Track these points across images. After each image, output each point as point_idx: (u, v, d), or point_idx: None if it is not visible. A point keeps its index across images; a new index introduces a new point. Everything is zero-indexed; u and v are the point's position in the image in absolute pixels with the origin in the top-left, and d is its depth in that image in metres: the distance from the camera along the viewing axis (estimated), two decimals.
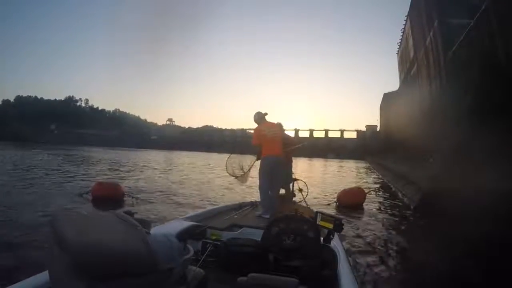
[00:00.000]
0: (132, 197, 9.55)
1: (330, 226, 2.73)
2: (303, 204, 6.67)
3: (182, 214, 7.99)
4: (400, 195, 13.04)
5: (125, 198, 9.47)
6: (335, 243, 2.99)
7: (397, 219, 8.94)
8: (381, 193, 14.27)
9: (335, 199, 10.24)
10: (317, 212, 2.83)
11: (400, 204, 11.30)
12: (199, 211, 4.73)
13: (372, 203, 10.96)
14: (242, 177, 6.10)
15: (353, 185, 14.13)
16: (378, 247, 6.23)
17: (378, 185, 18.03)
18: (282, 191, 6.69)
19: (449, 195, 8.07)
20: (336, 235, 2.97)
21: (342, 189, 9.60)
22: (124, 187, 10.16)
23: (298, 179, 7.42)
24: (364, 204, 10.20)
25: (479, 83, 10.94)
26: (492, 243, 5.85)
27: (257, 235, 3.13)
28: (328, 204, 9.89)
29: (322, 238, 2.79)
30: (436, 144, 12.20)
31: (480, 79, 11.04)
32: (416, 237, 7.33)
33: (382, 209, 10.27)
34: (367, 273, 4.75)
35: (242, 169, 6.14)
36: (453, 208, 7.41)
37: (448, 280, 4.73)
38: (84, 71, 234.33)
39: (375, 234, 7.00)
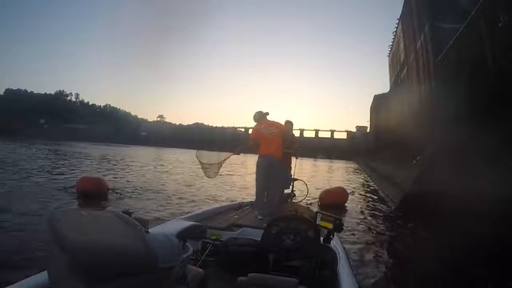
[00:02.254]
0: (116, 193, 9.56)
1: (330, 226, 2.76)
2: (302, 204, 6.68)
3: (166, 211, 8.06)
4: (383, 195, 13.20)
5: (109, 194, 9.45)
6: (335, 243, 3.02)
7: (378, 219, 9.07)
8: (365, 193, 14.54)
9: (317, 199, 10.30)
10: (317, 212, 2.86)
11: (383, 204, 11.48)
12: (199, 210, 4.71)
13: (355, 203, 11.17)
14: (209, 169, 5.75)
15: (339, 185, 14.23)
16: (357, 245, 6.28)
17: (363, 186, 18.33)
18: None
19: (430, 196, 8.15)
20: (336, 235, 2.99)
21: (325, 188, 9.68)
22: (108, 182, 10.12)
23: (297, 179, 7.42)
24: (346, 204, 10.35)
25: (468, 87, 11.02)
26: (466, 240, 5.99)
27: (257, 235, 3.18)
28: (310, 204, 9.94)
29: (322, 238, 2.82)
30: (421, 146, 12.30)
31: (469, 83, 11.13)
32: (395, 236, 7.40)
33: (364, 209, 10.45)
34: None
35: (210, 162, 5.80)
36: (434, 209, 7.49)
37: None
38: (75, 65, 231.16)
39: (353, 234, 7.05)
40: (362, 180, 22.31)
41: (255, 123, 5.81)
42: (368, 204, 11.55)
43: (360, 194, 13.76)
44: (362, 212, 9.80)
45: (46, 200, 8.36)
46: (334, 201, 9.98)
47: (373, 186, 17.79)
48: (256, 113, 5.83)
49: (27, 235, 5.43)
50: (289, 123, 7.06)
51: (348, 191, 11.25)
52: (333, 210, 9.06)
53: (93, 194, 9.06)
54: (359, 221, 8.53)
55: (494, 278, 4.76)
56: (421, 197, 8.74)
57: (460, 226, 6.63)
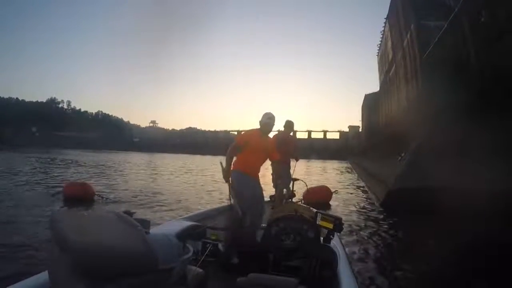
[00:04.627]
0: (102, 197, 9.58)
1: (330, 226, 2.72)
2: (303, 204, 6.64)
3: (152, 216, 8.05)
4: (370, 193, 13.29)
5: (95, 198, 9.48)
6: (335, 243, 3.00)
7: (359, 216, 9.11)
8: (352, 191, 14.67)
9: (301, 197, 10.32)
10: (317, 212, 2.81)
11: (368, 201, 11.61)
12: (199, 211, 4.73)
13: (340, 201, 11.23)
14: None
15: (331, 183, 14.28)
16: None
17: (352, 184, 18.47)
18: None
19: (413, 192, 8.19)
20: (336, 235, 2.97)
21: (308, 187, 9.74)
22: (94, 187, 10.13)
23: (298, 179, 7.41)
24: (330, 202, 10.44)
25: (451, 84, 11.11)
26: (451, 235, 6.20)
27: (257, 235, 3.17)
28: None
29: (322, 238, 2.79)
30: (408, 143, 12.38)
31: (452, 80, 11.22)
32: (373, 232, 7.39)
33: (348, 206, 10.48)
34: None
35: None
36: (417, 205, 7.52)
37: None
38: (66, 72, 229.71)
39: None
40: (352, 179, 22.43)
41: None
42: (353, 201, 11.61)
43: (347, 192, 13.88)
44: (345, 210, 9.83)
45: (34, 206, 8.36)
46: (317, 200, 9.96)
47: (361, 184, 17.96)
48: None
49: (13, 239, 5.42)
50: (288, 124, 7.06)
51: (333, 189, 11.28)
52: (317, 208, 9.13)
53: (80, 198, 9.12)
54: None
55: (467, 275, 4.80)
56: (404, 194, 8.79)
57: (445, 221, 6.68)
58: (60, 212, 1.43)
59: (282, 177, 6.51)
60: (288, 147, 6.74)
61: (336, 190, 11.75)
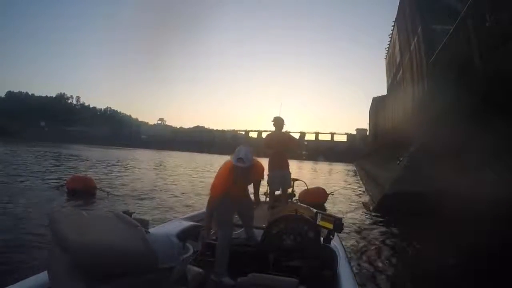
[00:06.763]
0: (104, 191, 9.71)
1: (330, 226, 2.75)
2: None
3: (151, 210, 8.18)
4: (368, 196, 13.28)
5: (97, 192, 9.62)
6: (335, 243, 3.03)
7: (351, 218, 9.06)
8: (350, 194, 14.60)
9: (297, 198, 10.34)
10: (317, 212, 2.86)
11: (363, 204, 11.55)
12: (199, 211, 4.69)
13: (336, 203, 11.28)
14: None
15: (333, 185, 14.24)
16: None
17: (352, 187, 18.36)
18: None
19: (408, 197, 8.17)
20: (336, 235, 2.99)
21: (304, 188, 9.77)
22: (97, 181, 10.30)
23: (298, 179, 7.37)
24: (326, 204, 10.45)
25: (455, 87, 11.07)
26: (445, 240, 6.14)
27: (257, 235, 3.21)
28: None
29: (322, 238, 2.84)
30: (407, 147, 12.34)
31: (457, 84, 11.17)
32: (363, 237, 7.37)
33: (343, 209, 10.48)
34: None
35: None
36: (410, 210, 7.51)
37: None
38: (76, 68, 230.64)
39: None
40: (353, 182, 22.40)
41: None
42: (348, 204, 11.59)
43: (345, 195, 13.84)
44: (339, 212, 9.75)
45: (38, 198, 8.60)
46: (313, 201, 9.91)
47: (361, 187, 17.92)
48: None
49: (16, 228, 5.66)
50: (276, 121, 6.31)
51: (328, 191, 11.24)
52: None
53: (82, 191, 9.30)
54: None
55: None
56: (400, 198, 8.76)
57: (441, 224, 6.67)
58: (60, 213, 1.45)
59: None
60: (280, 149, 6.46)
61: (332, 192, 11.74)
